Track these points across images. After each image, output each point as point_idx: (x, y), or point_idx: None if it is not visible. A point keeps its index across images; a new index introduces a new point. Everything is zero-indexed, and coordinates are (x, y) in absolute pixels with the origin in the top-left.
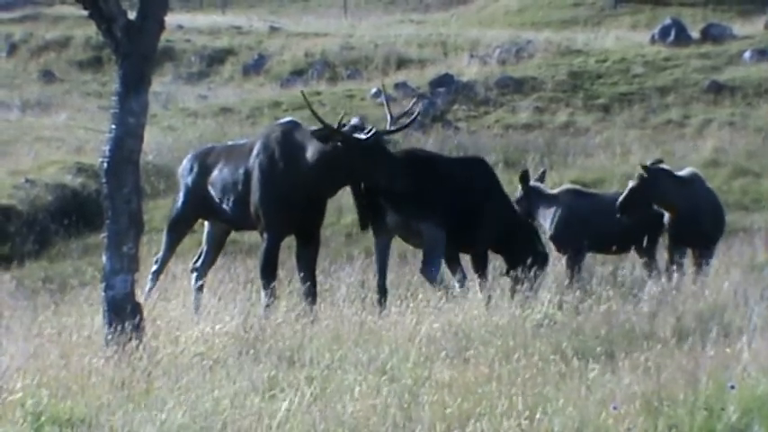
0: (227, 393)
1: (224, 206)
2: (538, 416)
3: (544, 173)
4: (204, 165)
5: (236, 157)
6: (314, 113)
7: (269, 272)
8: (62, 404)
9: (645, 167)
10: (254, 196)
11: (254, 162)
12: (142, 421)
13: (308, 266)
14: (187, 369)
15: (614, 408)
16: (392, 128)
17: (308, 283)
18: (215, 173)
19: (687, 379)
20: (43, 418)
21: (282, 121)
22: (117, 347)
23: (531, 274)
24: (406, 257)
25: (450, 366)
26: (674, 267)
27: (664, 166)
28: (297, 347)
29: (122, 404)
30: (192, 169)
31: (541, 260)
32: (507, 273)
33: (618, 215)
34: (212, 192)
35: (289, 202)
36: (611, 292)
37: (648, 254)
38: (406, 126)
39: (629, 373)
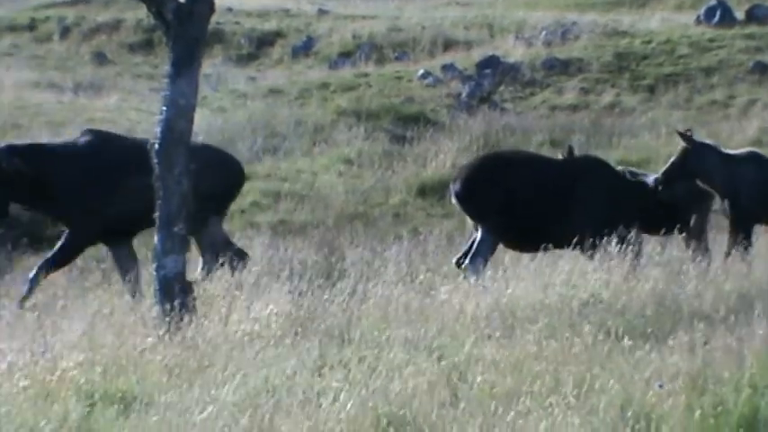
0: (277, 372)
1: None
2: (584, 393)
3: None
4: None
5: None
6: None
7: None
8: (115, 382)
9: (685, 137)
10: None
11: None
12: (194, 399)
13: None
14: (238, 348)
15: (660, 386)
16: None
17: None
18: None
19: (732, 357)
20: (96, 396)
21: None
22: (169, 327)
23: None
24: (453, 238)
25: (498, 345)
26: (735, 247)
27: (707, 141)
28: (346, 327)
29: (175, 383)
30: None
31: None
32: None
33: (659, 188)
34: None
35: None
36: (656, 272)
37: (696, 233)
38: None
39: (674, 352)
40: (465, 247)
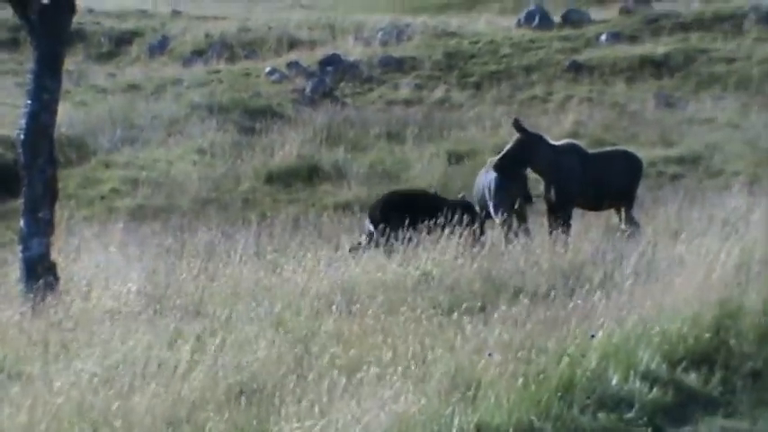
0: (136, 345)
1: None
2: (419, 363)
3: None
4: None
5: None
6: None
7: None
8: None
9: (520, 127)
10: None
11: None
12: (58, 371)
13: None
14: (99, 323)
15: (489, 355)
16: None
17: None
18: None
19: (552, 329)
20: None
21: None
22: (33, 303)
23: None
24: (298, 222)
25: (339, 319)
26: (552, 230)
27: (540, 132)
28: (199, 303)
29: (39, 356)
30: None
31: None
32: None
33: (495, 173)
34: None
35: None
36: (482, 252)
37: (520, 217)
38: None
39: (500, 325)
40: (360, 240)
